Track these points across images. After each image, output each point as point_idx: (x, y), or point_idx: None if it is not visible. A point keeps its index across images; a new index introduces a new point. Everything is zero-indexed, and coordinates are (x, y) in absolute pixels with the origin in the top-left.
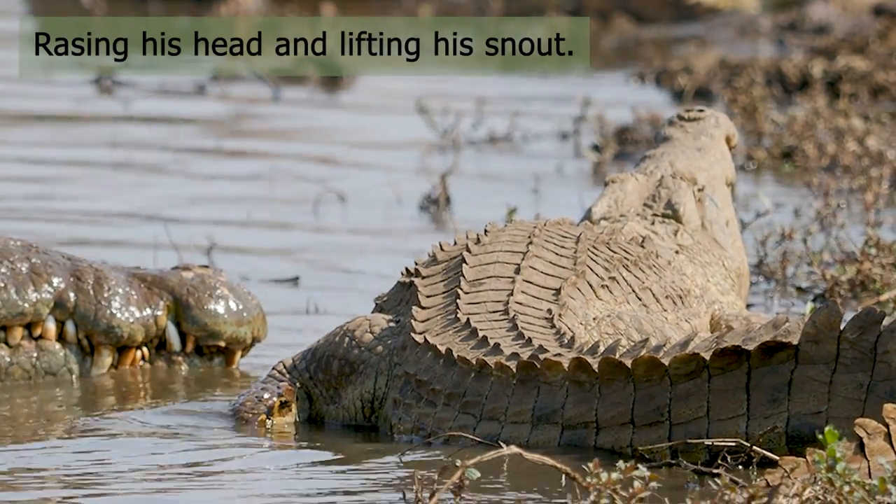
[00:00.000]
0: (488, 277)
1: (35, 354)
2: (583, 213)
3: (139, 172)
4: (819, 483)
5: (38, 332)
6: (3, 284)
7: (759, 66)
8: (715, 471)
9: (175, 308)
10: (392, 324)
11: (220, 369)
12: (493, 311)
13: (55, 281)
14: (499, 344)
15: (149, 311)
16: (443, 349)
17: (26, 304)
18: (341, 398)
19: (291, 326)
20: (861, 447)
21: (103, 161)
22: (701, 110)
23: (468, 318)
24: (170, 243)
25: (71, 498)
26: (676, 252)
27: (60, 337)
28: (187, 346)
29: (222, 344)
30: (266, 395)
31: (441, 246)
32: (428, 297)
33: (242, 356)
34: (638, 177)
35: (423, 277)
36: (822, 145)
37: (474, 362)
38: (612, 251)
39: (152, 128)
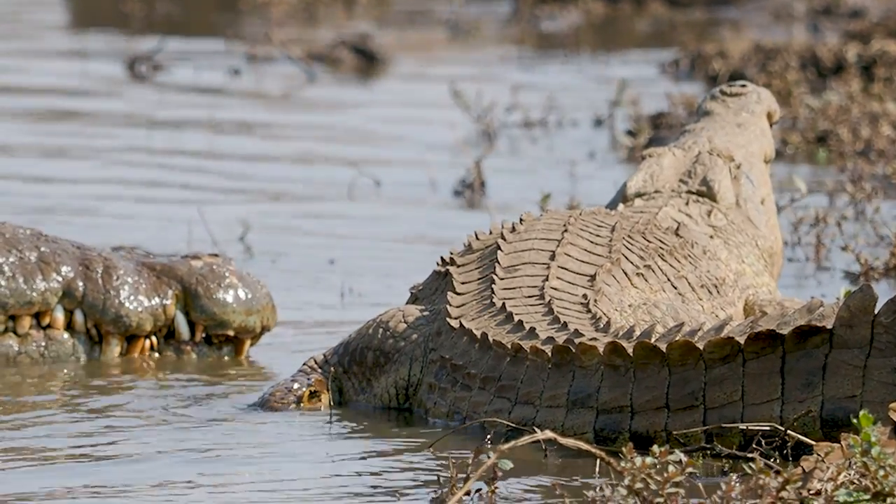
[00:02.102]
0: (523, 264)
1: (43, 343)
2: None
3: (172, 155)
4: (854, 467)
5: (46, 321)
6: (11, 273)
7: (793, 50)
8: (749, 455)
9: (184, 297)
10: (425, 313)
11: (230, 358)
12: (529, 296)
13: (64, 270)
14: (534, 328)
15: (157, 300)
16: (478, 333)
17: (35, 294)
18: (373, 387)
19: (327, 306)
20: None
21: (137, 145)
22: (743, 85)
23: (503, 303)
24: (204, 227)
25: (97, 490)
26: (711, 237)
27: (69, 326)
28: (196, 335)
29: (231, 333)
30: (296, 386)
31: (476, 235)
32: (463, 283)
33: (252, 345)
34: (675, 151)
35: (458, 266)
36: (857, 129)
37: (510, 346)
38: (647, 240)
39: (186, 111)
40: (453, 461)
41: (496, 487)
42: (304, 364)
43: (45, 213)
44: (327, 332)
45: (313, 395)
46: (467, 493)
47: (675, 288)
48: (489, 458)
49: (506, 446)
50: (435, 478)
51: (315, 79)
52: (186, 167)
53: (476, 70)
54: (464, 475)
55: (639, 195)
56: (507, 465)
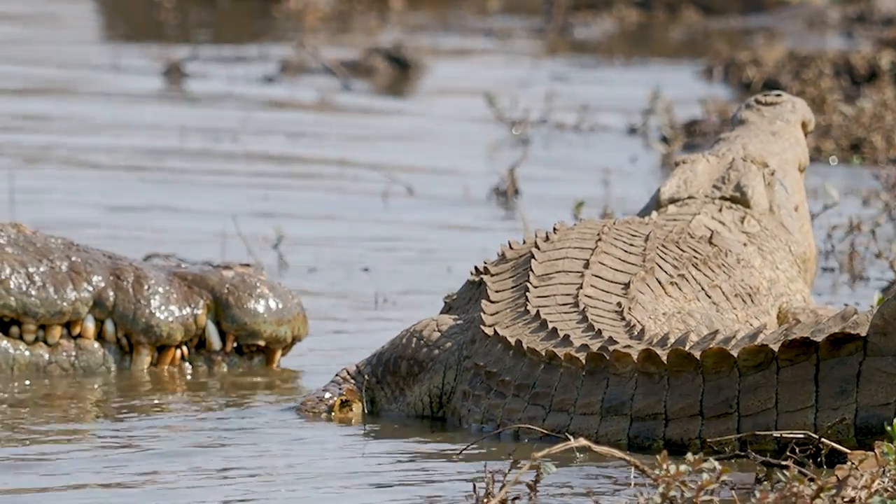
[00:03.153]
0: (557, 272)
1: (74, 353)
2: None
3: (205, 163)
4: (888, 475)
5: (76, 330)
6: (42, 283)
7: (827, 58)
8: (783, 463)
9: (215, 307)
10: (459, 321)
11: (261, 368)
12: (563, 304)
13: (95, 279)
14: (568, 335)
15: (188, 309)
16: (512, 341)
17: (65, 303)
18: (406, 396)
19: (361, 315)
20: None
21: (172, 150)
22: (778, 95)
23: (538, 311)
24: (238, 236)
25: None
26: (744, 244)
27: (99, 336)
28: (227, 345)
29: (262, 343)
30: (327, 395)
31: (510, 245)
32: (497, 291)
33: (283, 355)
34: (709, 158)
35: (492, 275)
36: (891, 137)
37: (544, 353)
38: (681, 249)
39: (219, 119)
40: (488, 469)
41: (537, 492)
42: (336, 375)
43: (76, 224)
44: (360, 341)
45: (345, 404)
46: (503, 501)
47: (709, 297)
48: (533, 461)
49: (541, 454)
50: (470, 486)
51: (349, 86)
52: (220, 175)
53: (510, 78)
54: (500, 482)
55: (672, 201)
56: (551, 468)
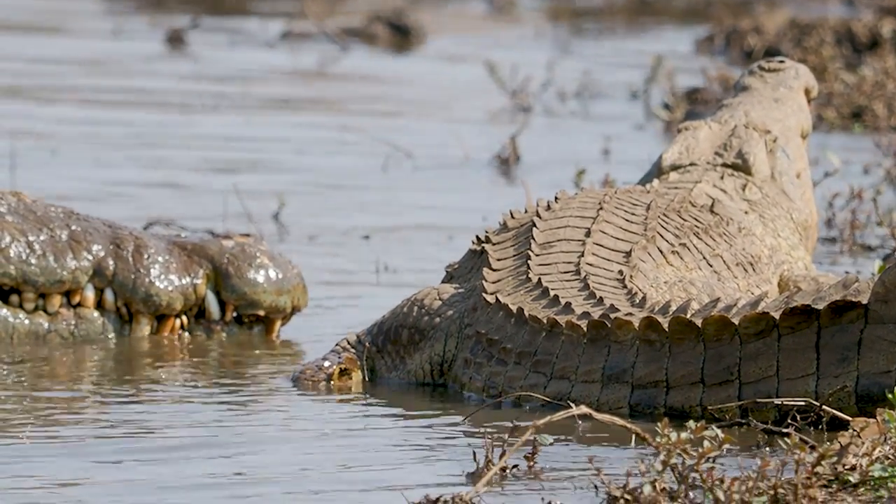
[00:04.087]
0: (559, 240)
1: (73, 322)
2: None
3: (209, 129)
4: (889, 442)
5: (76, 299)
6: (42, 251)
7: (828, 26)
8: (784, 430)
9: (214, 277)
10: (460, 290)
11: (261, 338)
12: (565, 272)
13: (94, 248)
14: (570, 303)
15: (188, 279)
16: (514, 308)
17: (65, 272)
18: (406, 364)
19: (362, 283)
20: None
21: (172, 121)
22: (781, 61)
23: (539, 278)
24: (239, 203)
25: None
26: (745, 212)
27: (99, 305)
28: (226, 314)
29: (262, 313)
30: (326, 364)
31: (511, 214)
32: (499, 260)
33: (283, 325)
34: (711, 125)
35: (494, 244)
36: (892, 105)
37: (545, 321)
38: (682, 219)
39: (223, 86)
40: (489, 436)
41: (534, 463)
42: (336, 345)
43: (80, 192)
44: (361, 311)
45: (343, 372)
46: (503, 469)
47: (711, 266)
48: (525, 433)
49: (541, 421)
50: (471, 453)
51: (349, 54)
52: (221, 143)
53: (511, 45)
54: (500, 450)
55: (674, 168)
56: (547, 440)
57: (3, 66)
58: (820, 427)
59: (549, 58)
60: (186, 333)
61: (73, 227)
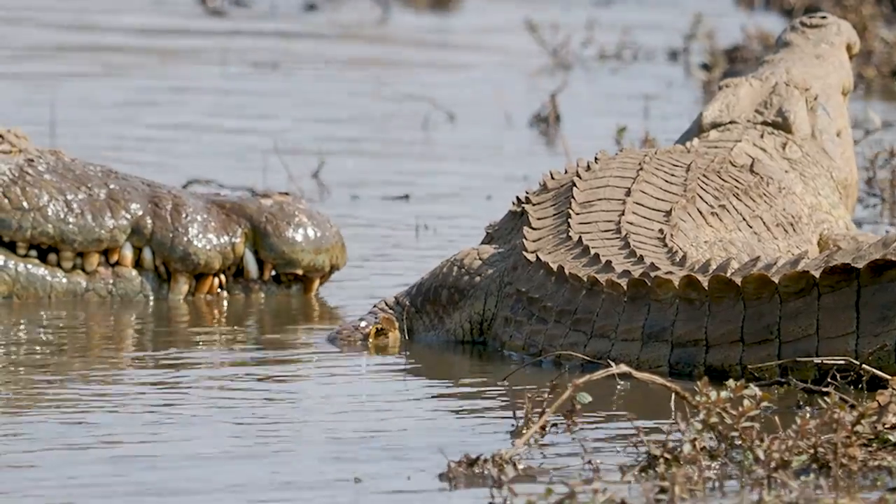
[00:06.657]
0: (599, 199)
1: (111, 281)
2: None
3: (247, 91)
4: None
5: (114, 258)
6: (80, 210)
7: None
8: (824, 389)
9: (253, 235)
10: (500, 250)
11: (299, 297)
12: (605, 231)
13: (133, 207)
14: (610, 261)
15: (226, 238)
16: (554, 266)
17: (103, 231)
18: (445, 323)
19: (402, 244)
20: None
21: (211, 83)
22: (824, 17)
23: (580, 237)
24: (280, 162)
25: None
26: (786, 172)
27: (137, 263)
28: (265, 273)
29: (300, 272)
30: (363, 324)
31: (551, 174)
32: (539, 219)
33: (321, 284)
34: (752, 82)
35: (534, 204)
36: None
37: (585, 279)
38: (722, 179)
39: (262, 45)
40: (529, 395)
41: (574, 421)
42: (374, 306)
43: (120, 150)
44: (400, 270)
45: (380, 332)
46: (543, 427)
47: (751, 227)
48: (565, 391)
49: (581, 380)
50: (510, 412)
51: (389, 13)
52: (261, 102)
53: (551, 4)
54: (539, 409)
55: (714, 126)
56: (586, 398)
57: (50, 33)
58: (860, 386)
59: (589, 17)
60: (225, 292)
61: (112, 186)
